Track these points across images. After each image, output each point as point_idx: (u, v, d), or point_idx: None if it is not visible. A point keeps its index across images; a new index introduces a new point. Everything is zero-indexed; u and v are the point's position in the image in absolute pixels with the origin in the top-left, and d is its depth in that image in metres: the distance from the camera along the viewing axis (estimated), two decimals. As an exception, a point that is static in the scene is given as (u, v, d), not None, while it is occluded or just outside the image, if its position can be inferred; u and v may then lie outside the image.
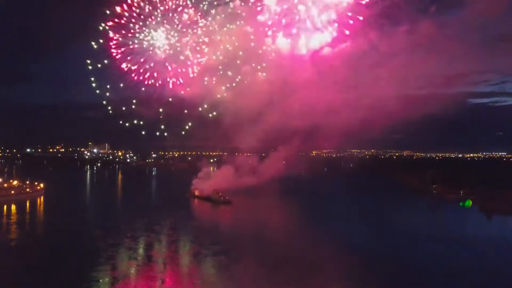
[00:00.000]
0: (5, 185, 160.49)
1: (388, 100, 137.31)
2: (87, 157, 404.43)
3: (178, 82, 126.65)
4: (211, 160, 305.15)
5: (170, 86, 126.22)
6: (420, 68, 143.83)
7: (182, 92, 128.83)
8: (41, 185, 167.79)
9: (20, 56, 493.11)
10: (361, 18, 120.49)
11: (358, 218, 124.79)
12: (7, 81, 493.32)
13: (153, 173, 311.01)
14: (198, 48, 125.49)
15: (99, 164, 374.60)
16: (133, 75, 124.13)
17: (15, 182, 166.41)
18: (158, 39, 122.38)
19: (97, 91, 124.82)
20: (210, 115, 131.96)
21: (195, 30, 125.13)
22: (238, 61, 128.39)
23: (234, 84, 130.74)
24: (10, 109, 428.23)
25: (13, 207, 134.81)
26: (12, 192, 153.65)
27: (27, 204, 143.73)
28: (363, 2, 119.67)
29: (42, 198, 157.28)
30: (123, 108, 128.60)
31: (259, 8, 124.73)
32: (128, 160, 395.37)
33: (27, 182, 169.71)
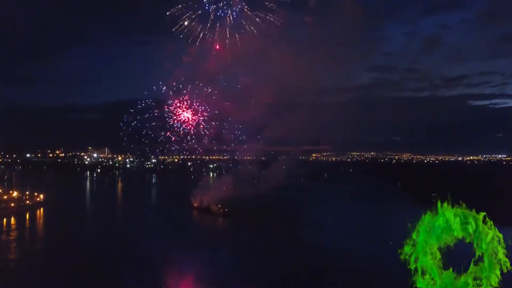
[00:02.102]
0: (5, 196, 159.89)
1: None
2: (87, 162, 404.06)
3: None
4: (211, 166, 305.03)
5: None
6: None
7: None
8: (41, 196, 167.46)
9: (20, 58, 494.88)
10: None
11: (358, 232, 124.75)
12: (6, 83, 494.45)
13: (153, 180, 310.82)
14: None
15: (99, 170, 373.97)
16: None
17: (15, 194, 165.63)
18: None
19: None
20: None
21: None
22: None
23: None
24: (10, 112, 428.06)
25: (13, 221, 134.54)
26: (12, 204, 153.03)
27: (27, 217, 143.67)
28: None
29: (42, 210, 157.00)
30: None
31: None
32: (128, 166, 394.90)
33: (27, 193, 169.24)
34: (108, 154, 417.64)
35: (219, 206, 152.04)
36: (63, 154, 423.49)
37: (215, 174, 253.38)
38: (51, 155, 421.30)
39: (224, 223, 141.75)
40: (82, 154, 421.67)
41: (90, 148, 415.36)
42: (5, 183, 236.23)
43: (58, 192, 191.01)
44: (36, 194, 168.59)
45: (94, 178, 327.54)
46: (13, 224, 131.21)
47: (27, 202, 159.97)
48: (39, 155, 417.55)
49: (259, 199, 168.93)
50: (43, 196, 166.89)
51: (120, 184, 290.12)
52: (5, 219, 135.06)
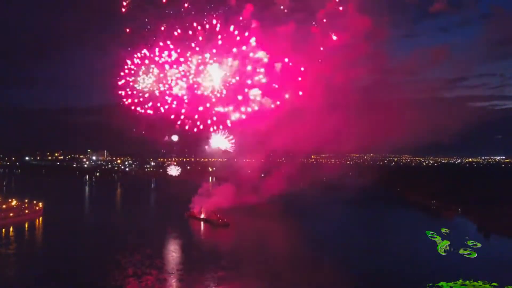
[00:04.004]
0: (4, 206, 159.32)
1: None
2: (86, 165, 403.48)
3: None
4: (210, 169, 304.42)
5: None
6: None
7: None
8: (40, 204, 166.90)
9: (19, 60, 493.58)
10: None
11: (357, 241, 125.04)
12: (5, 85, 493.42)
13: (152, 185, 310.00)
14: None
15: (97, 174, 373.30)
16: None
17: (13, 203, 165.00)
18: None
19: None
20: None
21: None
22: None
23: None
24: (9, 114, 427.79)
25: (11, 232, 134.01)
26: (11, 214, 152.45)
27: (26, 227, 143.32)
28: None
29: (41, 219, 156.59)
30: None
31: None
32: (127, 169, 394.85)
33: (26, 201, 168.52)
34: (107, 157, 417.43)
35: (218, 216, 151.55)
36: (62, 157, 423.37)
37: (214, 179, 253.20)
38: (50, 157, 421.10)
39: (223, 235, 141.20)
40: (81, 156, 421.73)
41: (89, 150, 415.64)
42: (4, 188, 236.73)
43: (56, 200, 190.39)
44: (35, 202, 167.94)
45: (93, 183, 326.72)
46: (11, 236, 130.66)
47: (26, 211, 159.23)
48: (38, 157, 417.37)
49: (260, 208, 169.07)
50: (42, 205, 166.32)
51: (119, 190, 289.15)
52: (4, 230, 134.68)
